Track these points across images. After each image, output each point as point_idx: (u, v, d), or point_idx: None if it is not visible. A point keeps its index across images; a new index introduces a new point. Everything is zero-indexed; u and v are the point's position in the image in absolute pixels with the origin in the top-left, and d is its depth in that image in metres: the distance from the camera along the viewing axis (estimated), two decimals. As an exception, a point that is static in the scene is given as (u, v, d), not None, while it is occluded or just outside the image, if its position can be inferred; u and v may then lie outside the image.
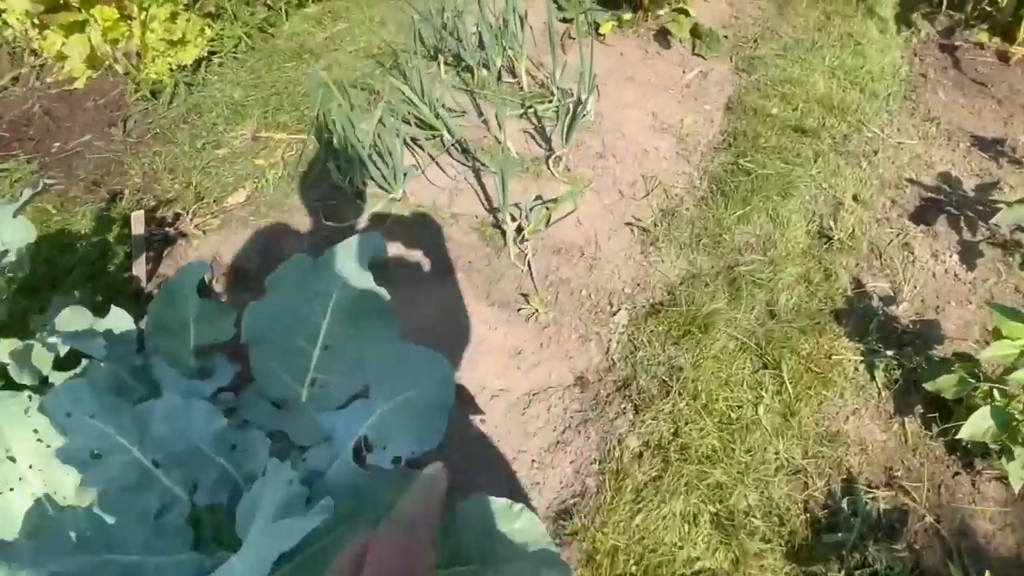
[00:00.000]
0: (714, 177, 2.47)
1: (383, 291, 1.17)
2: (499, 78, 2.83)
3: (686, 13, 3.26)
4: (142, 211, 1.90)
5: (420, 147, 2.46)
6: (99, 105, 2.58)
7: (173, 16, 2.60)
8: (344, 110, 2.05)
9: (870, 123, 2.69)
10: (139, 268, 1.91)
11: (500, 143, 2.48)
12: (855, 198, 2.41)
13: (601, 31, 3.09)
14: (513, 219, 2.21)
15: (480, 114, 2.66)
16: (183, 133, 2.48)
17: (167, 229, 2.10)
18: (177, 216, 2.16)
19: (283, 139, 2.47)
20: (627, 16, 3.10)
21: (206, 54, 2.72)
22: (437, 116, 2.43)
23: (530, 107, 2.70)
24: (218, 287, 1.99)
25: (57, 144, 2.44)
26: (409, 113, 2.48)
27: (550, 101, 2.70)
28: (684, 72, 3.00)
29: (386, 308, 1.17)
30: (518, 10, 2.73)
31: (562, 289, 2.12)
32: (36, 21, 2.47)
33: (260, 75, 2.75)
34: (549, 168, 2.46)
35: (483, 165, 2.42)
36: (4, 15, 2.58)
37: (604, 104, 2.79)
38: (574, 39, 3.10)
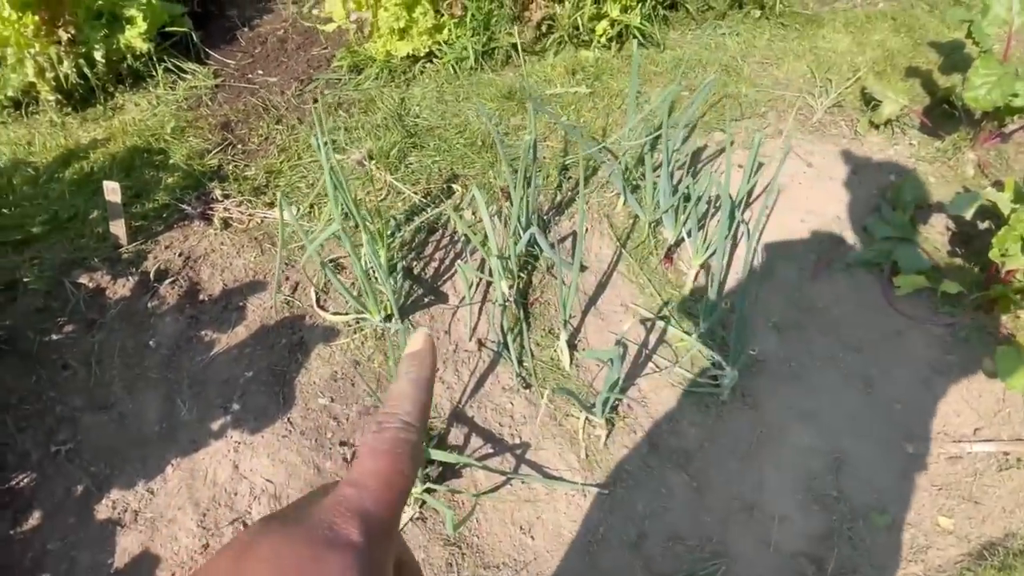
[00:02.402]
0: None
1: None
2: (667, 254, 1.92)
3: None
4: (116, 183, 1.77)
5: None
6: (313, 56, 2.55)
7: (411, 4, 2.35)
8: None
9: None
10: (117, 228, 1.83)
11: None
12: None
13: (897, 282, 1.85)
14: None
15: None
16: (335, 118, 2.29)
17: (206, 207, 1.97)
18: (227, 196, 2.02)
19: (385, 183, 2.09)
20: (951, 288, 1.78)
21: (425, 53, 2.44)
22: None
23: (663, 316, 1.78)
24: (172, 289, 1.80)
25: (260, 73, 2.50)
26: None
27: (687, 331, 1.74)
28: (976, 431, 1.64)
29: None
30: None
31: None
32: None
33: (452, 99, 2.38)
34: (582, 431, 1.59)
35: None
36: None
37: (779, 388, 1.69)
38: (849, 265, 1.92)
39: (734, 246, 1.96)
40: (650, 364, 1.73)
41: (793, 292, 1.91)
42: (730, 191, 1.72)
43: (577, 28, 2.59)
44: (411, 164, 2.15)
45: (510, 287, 1.76)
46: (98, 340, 1.69)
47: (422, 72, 2.49)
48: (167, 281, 1.80)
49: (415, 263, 1.90)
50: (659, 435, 1.61)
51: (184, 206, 1.96)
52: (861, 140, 2.32)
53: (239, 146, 2.22)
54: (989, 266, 1.74)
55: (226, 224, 1.96)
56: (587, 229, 2.03)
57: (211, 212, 1.97)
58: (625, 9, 2.59)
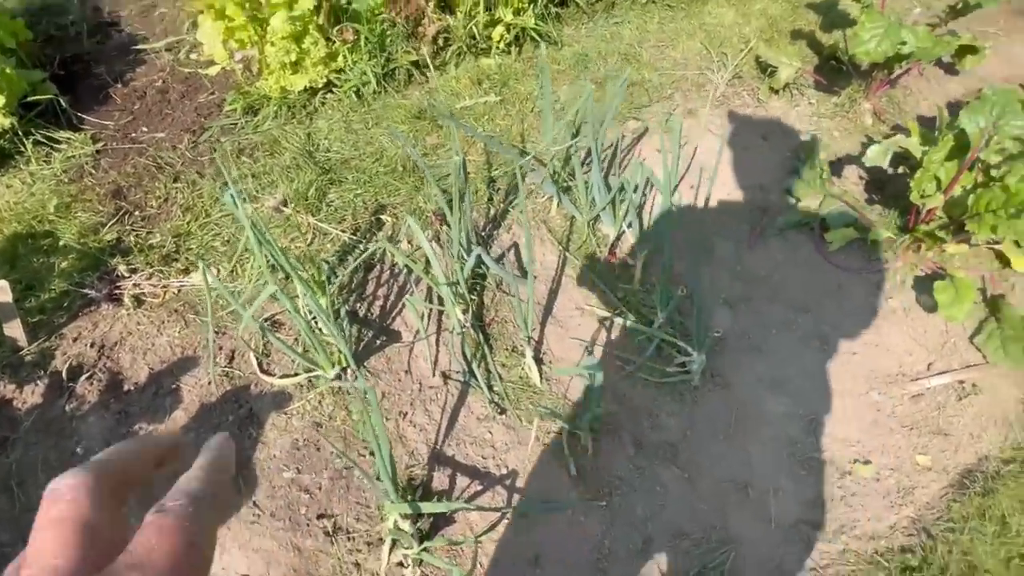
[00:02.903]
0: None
1: None
2: (611, 250, 1.92)
3: (1006, 261, 1.89)
4: (2, 280, 1.57)
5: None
6: (201, 104, 2.37)
7: (299, 35, 2.23)
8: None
9: None
10: (13, 329, 1.62)
11: None
12: None
13: (828, 237, 1.92)
14: None
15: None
16: (237, 166, 2.13)
17: (112, 286, 1.78)
18: (133, 271, 1.83)
19: (309, 226, 1.97)
20: (882, 234, 1.86)
21: (323, 84, 2.32)
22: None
23: (619, 312, 1.77)
24: (90, 386, 1.61)
25: (145, 130, 2.30)
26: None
27: (648, 322, 1.73)
28: (929, 366, 1.72)
29: None
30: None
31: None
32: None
33: (361, 128, 2.27)
34: (565, 450, 1.54)
35: None
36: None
37: (744, 362, 1.71)
38: (781, 229, 1.98)
39: (674, 231, 1.97)
40: (616, 362, 1.71)
41: (735, 266, 1.95)
42: (661, 177, 1.72)
43: (474, 37, 2.55)
44: (332, 202, 2.03)
45: (464, 312, 1.69)
46: (14, 460, 1.48)
47: (323, 104, 2.37)
48: (83, 377, 1.61)
49: (359, 305, 1.79)
50: (641, 433, 1.59)
51: (86, 290, 1.76)
52: (765, 106, 2.40)
53: (137, 213, 2.02)
54: (910, 208, 1.84)
55: (139, 302, 1.78)
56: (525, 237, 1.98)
57: (119, 291, 1.78)
58: (518, 12, 2.57)
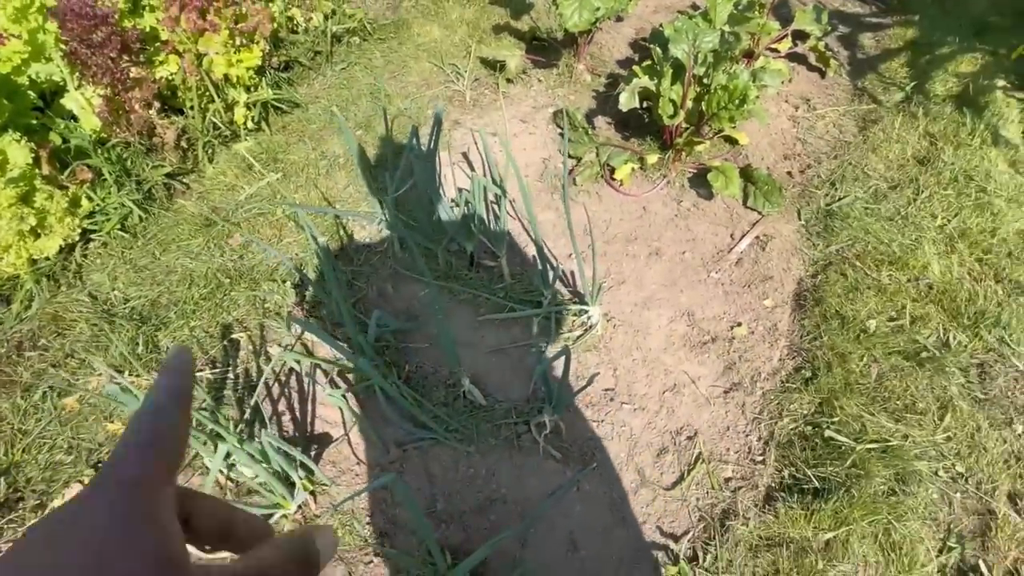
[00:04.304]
0: (783, 453, 1.63)
1: None
2: (472, 262, 2.05)
3: (733, 142, 2.44)
4: None
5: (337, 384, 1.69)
6: (-76, 320, 1.90)
7: (27, 195, 1.90)
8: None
9: (1018, 341, 1.81)
10: None
11: (463, 396, 1.70)
12: (1012, 499, 1.54)
13: (616, 176, 2.28)
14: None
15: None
16: (26, 366, 1.77)
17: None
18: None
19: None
20: (652, 158, 2.28)
21: (79, 236, 2.02)
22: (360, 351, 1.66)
23: (511, 310, 1.92)
24: None
25: None
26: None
27: (538, 304, 1.91)
28: (732, 236, 2.17)
29: None
30: (509, 151, 1.96)
31: None
32: None
33: (150, 261, 2.04)
34: (534, 435, 1.65)
35: (431, 435, 1.63)
36: None
37: (618, 297, 1.98)
38: (581, 186, 2.30)
39: (510, 221, 2.16)
40: (532, 351, 1.85)
41: (564, 228, 2.21)
42: (470, 185, 1.89)
43: (218, 127, 2.42)
44: (169, 347, 1.81)
45: (386, 376, 1.68)
46: None
47: (86, 257, 2.06)
48: None
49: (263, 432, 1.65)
50: (589, 393, 1.76)
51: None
52: (510, 97, 2.71)
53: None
54: (662, 129, 2.27)
55: None
56: (391, 286, 2.00)
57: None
58: (249, 89, 2.50)
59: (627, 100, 2.14)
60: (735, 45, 2.05)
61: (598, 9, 2.28)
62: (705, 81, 2.11)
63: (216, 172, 2.34)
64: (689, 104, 2.13)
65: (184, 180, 2.32)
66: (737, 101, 1.93)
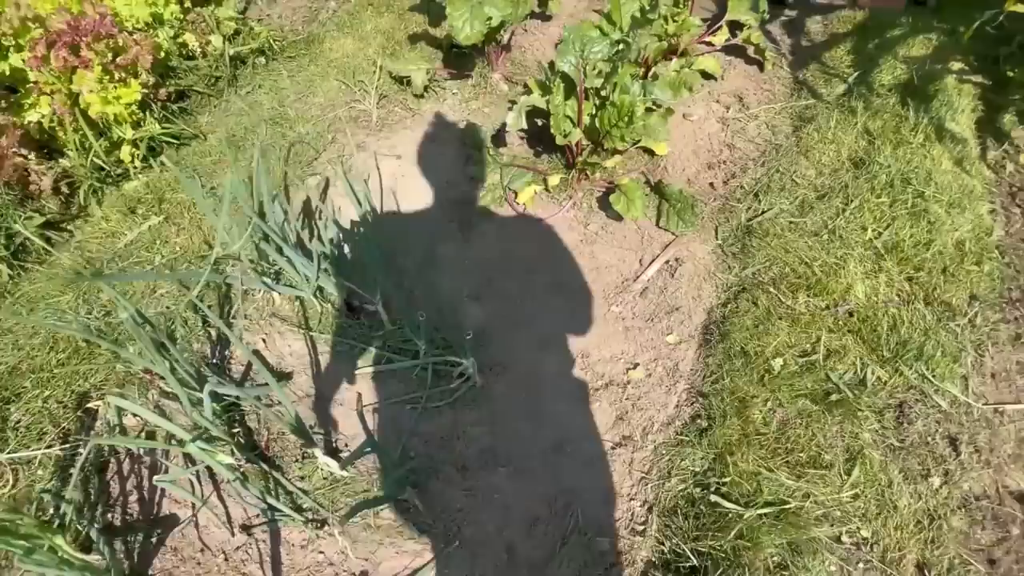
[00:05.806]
0: (666, 522, 1.46)
1: None
2: (351, 308, 1.89)
3: (651, 153, 2.24)
4: None
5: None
6: None
7: None
8: None
9: (942, 378, 1.61)
10: None
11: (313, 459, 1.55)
12: (920, 569, 1.35)
13: (519, 200, 2.10)
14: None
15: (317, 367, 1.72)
16: None
17: None
18: None
19: (3, 465, 1.61)
20: (554, 179, 2.10)
21: (-61, 300, 1.91)
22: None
23: (388, 361, 1.76)
24: None
25: None
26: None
27: (415, 355, 1.75)
28: (641, 262, 1.99)
29: None
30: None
31: None
32: None
33: (15, 324, 1.92)
34: (392, 511, 1.50)
35: (283, 514, 1.48)
36: None
37: (515, 340, 1.81)
38: (485, 211, 2.13)
39: (391, 259, 2.00)
40: (407, 408, 1.70)
41: (462, 261, 2.04)
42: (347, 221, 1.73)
43: (103, 168, 2.28)
44: (19, 422, 1.70)
45: (232, 453, 1.54)
46: None
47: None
48: None
49: (111, 515, 1.53)
50: (459, 456, 1.61)
51: None
52: (419, 114, 2.53)
53: None
54: (565, 150, 2.09)
55: None
56: (263, 338, 1.87)
57: None
58: (136, 125, 2.36)
59: (514, 121, 1.96)
60: (627, 53, 1.85)
61: (490, 19, 2.08)
62: (603, 93, 1.92)
63: (99, 219, 2.21)
64: (586, 120, 1.94)
65: (69, 227, 2.20)
66: (627, 119, 1.73)
